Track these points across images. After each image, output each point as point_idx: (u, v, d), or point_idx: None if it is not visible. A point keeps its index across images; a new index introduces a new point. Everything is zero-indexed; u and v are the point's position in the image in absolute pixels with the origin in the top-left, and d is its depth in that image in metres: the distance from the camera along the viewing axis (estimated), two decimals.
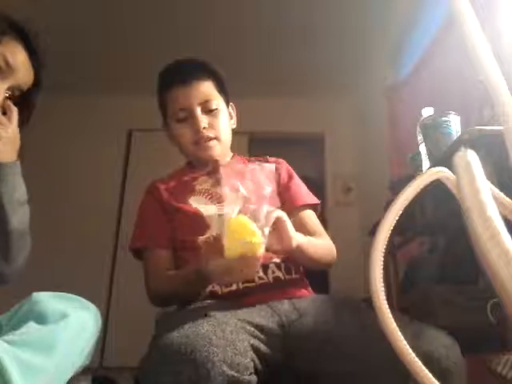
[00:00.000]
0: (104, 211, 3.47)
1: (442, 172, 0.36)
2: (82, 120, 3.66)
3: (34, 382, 0.55)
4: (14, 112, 0.89)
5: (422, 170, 1.65)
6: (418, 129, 1.63)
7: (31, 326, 0.61)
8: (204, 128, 1.06)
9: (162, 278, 0.97)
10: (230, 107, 1.19)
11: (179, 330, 0.65)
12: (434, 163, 1.44)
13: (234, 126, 1.19)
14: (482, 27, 0.29)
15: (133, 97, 3.60)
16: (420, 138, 1.62)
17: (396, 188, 1.89)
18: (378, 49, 3.01)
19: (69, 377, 0.66)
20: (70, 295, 0.74)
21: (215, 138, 1.09)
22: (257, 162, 1.13)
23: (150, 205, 1.10)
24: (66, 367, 0.64)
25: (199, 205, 1.04)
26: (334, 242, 1.01)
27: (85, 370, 0.73)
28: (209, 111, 1.09)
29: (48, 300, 0.68)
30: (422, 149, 1.62)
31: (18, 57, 0.89)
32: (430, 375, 0.33)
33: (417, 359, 0.33)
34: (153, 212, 1.08)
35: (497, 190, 0.34)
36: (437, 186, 0.38)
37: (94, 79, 3.52)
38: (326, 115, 3.77)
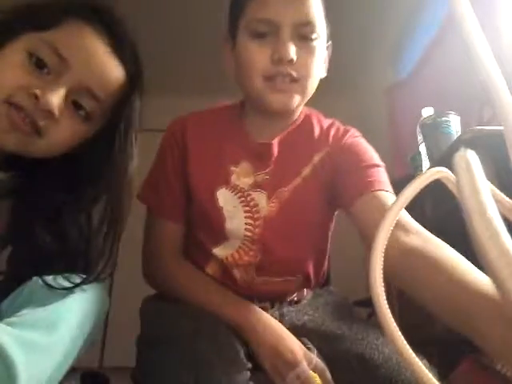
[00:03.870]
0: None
1: (442, 172, 0.36)
2: None
3: (40, 362, 0.52)
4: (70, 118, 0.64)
5: (421, 170, 1.65)
6: (418, 129, 1.63)
7: (33, 308, 0.57)
8: (290, 61, 0.71)
9: (176, 265, 0.80)
10: (327, 46, 0.82)
11: (177, 348, 0.63)
12: (434, 163, 1.44)
13: (324, 76, 0.84)
14: (481, 27, 0.29)
15: None
16: (420, 138, 1.62)
17: (396, 188, 1.89)
18: (378, 49, 3.01)
19: (77, 354, 0.61)
20: (72, 275, 0.67)
21: (298, 82, 0.74)
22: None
23: (169, 158, 0.84)
24: (74, 345, 0.59)
25: (226, 206, 0.80)
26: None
27: (73, 369, 0.69)
28: (303, 38, 0.73)
29: (50, 281, 0.62)
30: (422, 149, 1.62)
31: (81, 46, 0.63)
32: (431, 375, 0.33)
33: (417, 359, 0.33)
34: (171, 171, 0.84)
35: (497, 190, 0.34)
36: (437, 186, 0.38)
37: None
38: (326, 115, 3.76)
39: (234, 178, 0.81)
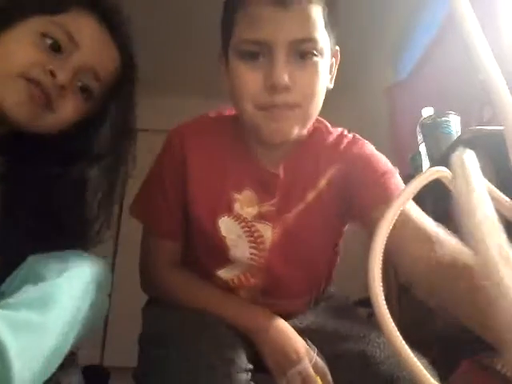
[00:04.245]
0: None
1: (441, 171, 0.36)
2: None
3: (35, 342, 0.50)
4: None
5: (421, 170, 1.65)
6: (418, 129, 1.63)
7: (29, 287, 0.55)
8: (285, 87, 0.63)
9: (179, 278, 0.79)
10: (333, 54, 0.75)
11: (178, 348, 0.63)
12: (434, 163, 1.44)
13: (331, 87, 0.76)
14: (482, 27, 0.29)
15: None
16: (420, 138, 1.62)
17: None
18: (378, 49, 3.01)
19: (78, 334, 0.58)
20: (72, 251, 0.66)
21: (296, 107, 0.66)
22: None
23: (167, 173, 0.79)
24: (73, 321, 0.57)
25: (229, 235, 0.76)
26: None
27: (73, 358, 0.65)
28: (303, 56, 0.65)
29: (47, 259, 0.61)
30: (422, 149, 1.62)
31: (87, 30, 0.70)
32: (430, 376, 0.33)
33: (416, 359, 0.33)
34: (169, 189, 0.79)
35: (494, 188, 0.34)
36: (437, 184, 0.38)
37: None
38: (326, 115, 3.76)
39: (237, 206, 0.76)
